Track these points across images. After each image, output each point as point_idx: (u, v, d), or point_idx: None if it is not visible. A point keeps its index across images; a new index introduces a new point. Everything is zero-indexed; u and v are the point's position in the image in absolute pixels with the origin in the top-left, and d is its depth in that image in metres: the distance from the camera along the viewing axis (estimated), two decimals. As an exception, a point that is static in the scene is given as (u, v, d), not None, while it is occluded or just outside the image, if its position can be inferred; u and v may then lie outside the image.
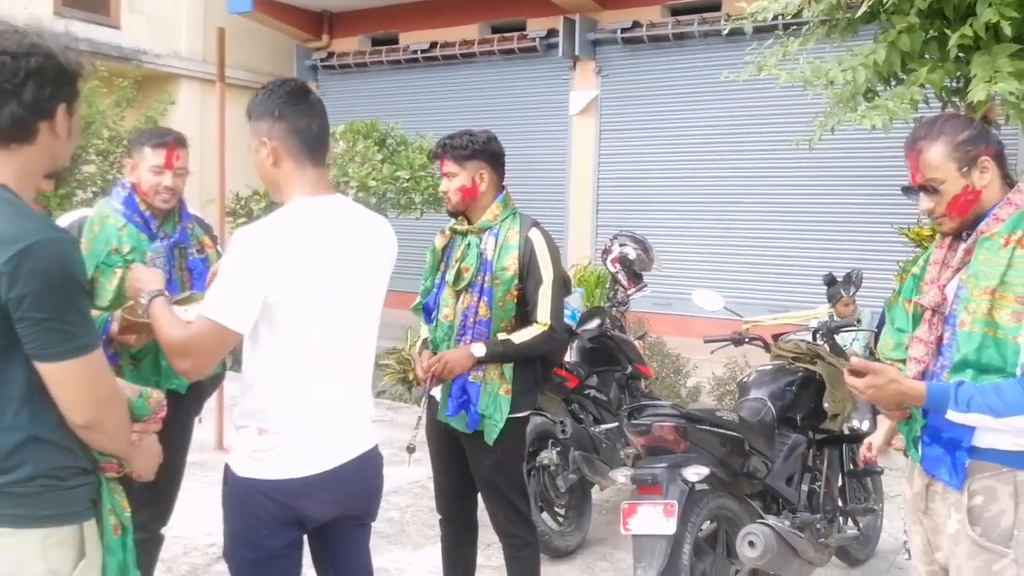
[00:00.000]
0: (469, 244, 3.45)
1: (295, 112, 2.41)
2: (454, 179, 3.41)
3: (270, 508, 2.37)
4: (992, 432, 2.33)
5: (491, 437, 3.39)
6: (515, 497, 3.56)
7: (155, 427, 2.05)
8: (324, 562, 2.60)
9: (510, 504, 3.55)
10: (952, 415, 2.29)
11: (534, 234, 3.44)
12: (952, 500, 2.41)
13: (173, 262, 3.35)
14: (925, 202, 2.46)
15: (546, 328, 3.37)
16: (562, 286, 3.49)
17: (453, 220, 3.56)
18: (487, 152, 3.41)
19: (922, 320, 2.50)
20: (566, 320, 3.68)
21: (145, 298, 2.41)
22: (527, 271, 3.39)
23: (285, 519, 2.39)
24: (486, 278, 3.39)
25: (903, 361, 2.56)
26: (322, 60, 12.95)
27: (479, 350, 3.34)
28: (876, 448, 3.72)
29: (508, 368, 3.39)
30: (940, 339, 2.45)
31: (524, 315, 3.40)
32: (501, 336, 3.37)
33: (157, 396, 2.05)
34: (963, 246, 2.45)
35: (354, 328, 2.48)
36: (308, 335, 2.36)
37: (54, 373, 1.78)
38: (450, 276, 3.47)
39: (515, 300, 3.39)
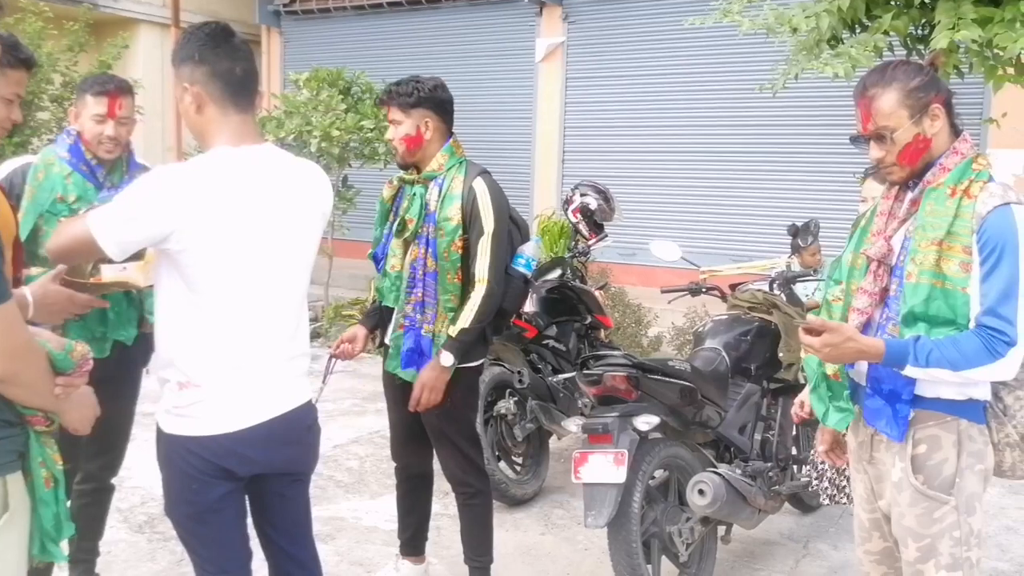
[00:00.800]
0: (415, 194, 3.40)
1: (215, 55, 2.32)
2: (399, 127, 3.35)
3: (196, 464, 2.33)
4: (936, 382, 2.34)
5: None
6: (466, 446, 3.56)
7: (79, 381, 1.98)
8: (260, 518, 2.57)
9: (461, 453, 3.55)
10: (911, 371, 2.27)
11: (478, 183, 3.37)
12: (896, 449, 2.42)
13: None
14: (875, 151, 2.40)
15: (484, 284, 3.31)
16: (505, 238, 3.41)
17: (403, 171, 3.51)
18: (433, 100, 3.34)
19: (868, 271, 2.47)
20: (520, 269, 3.59)
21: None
22: (470, 221, 3.33)
23: (214, 472, 2.35)
24: (430, 229, 3.34)
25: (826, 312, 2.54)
26: (284, 5, 12.68)
27: (447, 359, 3.30)
28: (807, 405, 3.75)
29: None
30: (885, 290, 2.43)
31: (468, 266, 3.35)
32: (451, 329, 3.30)
33: (81, 349, 1.98)
34: (909, 196, 2.42)
35: (280, 279, 2.39)
36: (225, 286, 2.28)
37: None
38: (396, 226, 3.43)
39: (459, 251, 3.33)
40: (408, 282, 3.40)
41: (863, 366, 2.48)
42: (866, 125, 2.40)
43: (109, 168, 3.31)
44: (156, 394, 2.42)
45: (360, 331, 3.65)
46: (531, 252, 3.69)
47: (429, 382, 3.33)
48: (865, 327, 2.47)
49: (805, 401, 3.74)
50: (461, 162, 3.42)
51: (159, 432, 2.40)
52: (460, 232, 3.33)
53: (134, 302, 3.31)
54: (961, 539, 2.37)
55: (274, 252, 2.36)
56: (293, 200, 2.41)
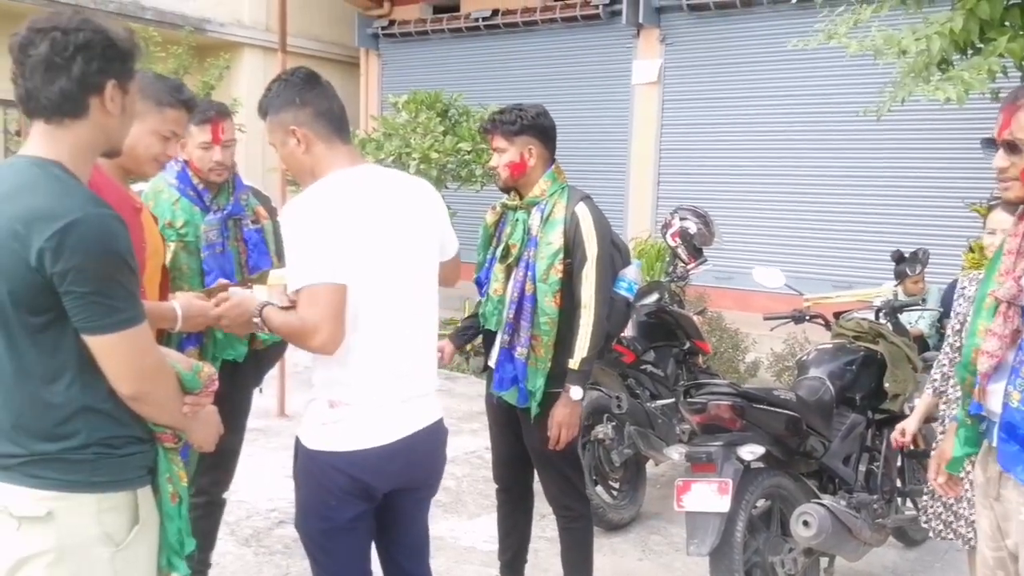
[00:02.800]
0: (518, 220, 3.45)
1: (315, 96, 2.47)
2: (503, 154, 3.40)
3: (339, 480, 2.42)
4: None
5: (533, 413, 3.41)
6: (568, 470, 3.58)
7: (206, 400, 2.08)
8: (385, 535, 2.65)
9: (563, 477, 3.56)
10: None
11: (580, 209, 3.39)
12: None
13: (227, 233, 3.37)
14: (1001, 159, 2.33)
15: (591, 311, 3.33)
16: (608, 263, 3.43)
17: (506, 195, 3.56)
18: (536, 127, 3.39)
19: (996, 312, 2.37)
20: (623, 292, 3.60)
21: (257, 319, 2.43)
22: (573, 246, 3.36)
23: (353, 491, 2.44)
24: (531, 252, 3.38)
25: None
26: (383, 28, 12.96)
27: (577, 393, 3.34)
28: (909, 432, 3.66)
29: (550, 348, 3.37)
30: (1017, 332, 2.34)
31: (570, 291, 3.37)
32: (570, 363, 3.32)
33: (208, 370, 2.08)
34: None
35: (416, 293, 2.51)
36: (373, 302, 2.39)
37: (99, 345, 1.83)
38: (499, 252, 3.49)
39: (560, 275, 3.35)
40: (508, 305, 3.44)
41: (997, 405, 2.39)
42: (1003, 131, 2.32)
43: (216, 191, 3.41)
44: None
45: (448, 345, 3.72)
46: (633, 276, 3.71)
47: (564, 419, 3.35)
48: (996, 370, 2.39)
49: (908, 429, 3.67)
50: (563, 188, 3.45)
51: (301, 449, 2.50)
52: (561, 256, 3.35)
53: (247, 323, 3.42)
54: None
55: (409, 264, 2.49)
56: (416, 212, 2.53)
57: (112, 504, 1.91)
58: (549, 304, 3.36)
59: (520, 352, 3.39)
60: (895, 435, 3.51)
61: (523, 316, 3.39)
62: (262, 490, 5.03)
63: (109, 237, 1.81)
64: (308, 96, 2.46)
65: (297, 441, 2.52)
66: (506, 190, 3.53)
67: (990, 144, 2.38)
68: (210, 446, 2.20)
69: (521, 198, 3.48)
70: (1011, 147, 2.31)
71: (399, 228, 2.47)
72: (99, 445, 1.89)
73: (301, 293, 2.31)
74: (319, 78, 2.52)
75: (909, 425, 3.63)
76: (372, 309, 2.39)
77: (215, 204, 3.38)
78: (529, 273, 3.38)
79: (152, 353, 1.94)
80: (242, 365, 3.41)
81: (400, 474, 2.51)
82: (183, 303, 2.48)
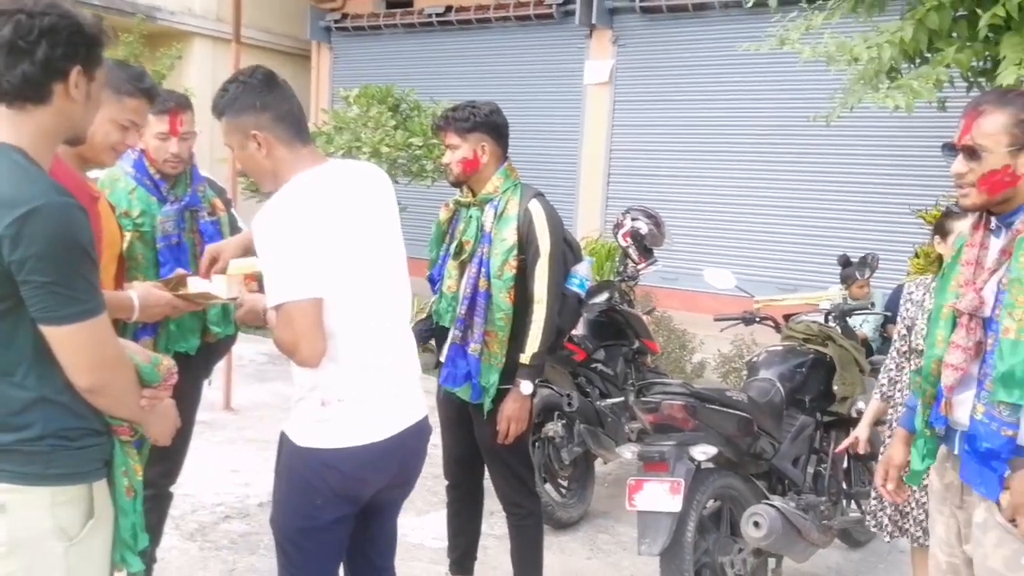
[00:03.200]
0: (471, 217, 3.46)
1: (275, 99, 2.41)
2: (456, 151, 3.41)
3: (331, 479, 2.40)
4: None
5: (486, 408, 3.42)
6: (519, 467, 3.58)
7: (165, 394, 2.04)
8: (361, 529, 2.63)
9: (514, 474, 3.56)
10: None
11: (534, 205, 3.42)
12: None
13: (183, 225, 3.30)
14: (959, 165, 2.34)
15: (543, 305, 3.36)
16: (560, 259, 3.47)
17: (459, 192, 3.56)
18: (489, 124, 3.40)
19: (958, 325, 2.38)
20: (574, 289, 3.68)
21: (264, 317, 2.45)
22: (527, 242, 3.38)
23: (343, 492, 2.43)
24: (485, 249, 3.39)
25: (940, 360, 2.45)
26: (335, 22, 12.84)
27: (527, 388, 3.38)
28: (863, 441, 3.70)
29: (504, 344, 3.38)
30: (980, 344, 2.35)
31: (524, 286, 3.39)
32: (522, 358, 3.35)
33: (167, 363, 2.04)
34: (999, 245, 2.35)
35: (392, 286, 2.51)
36: (357, 300, 2.38)
37: (57, 336, 1.78)
38: (453, 248, 3.48)
39: (513, 271, 3.36)
40: (462, 301, 3.43)
41: (964, 416, 2.39)
42: (963, 136, 2.34)
43: (173, 182, 3.35)
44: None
45: None
46: (584, 272, 3.78)
47: (514, 413, 3.37)
48: (961, 382, 2.39)
49: (860, 437, 3.71)
50: (516, 185, 3.47)
51: (289, 447, 2.46)
52: (515, 252, 3.36)
53: (197, 313, 3.35)
54: None
55: (382, 255, 2.49)
56: (380, 202, 2.52)
57: (67, 497, 1.86)
58: (504, 300, 3.36)
59: (473, 348, 3.39)
60: (848, 441, 3.54)
61: (476, 312, 3.39)
62: (208, 484, 4.93)
63: (71, 226, 1.76)
64: (268, 99, 2.40)
65: (284, 438, 2.50)
66: (457, 186, 3.53)
67: (950, 149, 2.40)
68: (167, 440, 2.16)
69: (473, 194, 3.48)
70: (970, 152, 2.32)
71: (371, 223, 2.46)
72: (55, 437, 1.83)
73: (278, 311, 2.30)
74: (277, 78, 2.46)
75: (861, 433, 3.68)
76: (356, 307, 2.38)
77: (172, 195, 3.32)
78: (483, 269, 3.38)
79: (111, 345, 1.89)
80: (193, 357, 3.35)
81: (392, 471, 2.51)
82: (140, 293, 2.43)
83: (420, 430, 2.58)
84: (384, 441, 2.43)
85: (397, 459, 2.50)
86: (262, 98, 2.39)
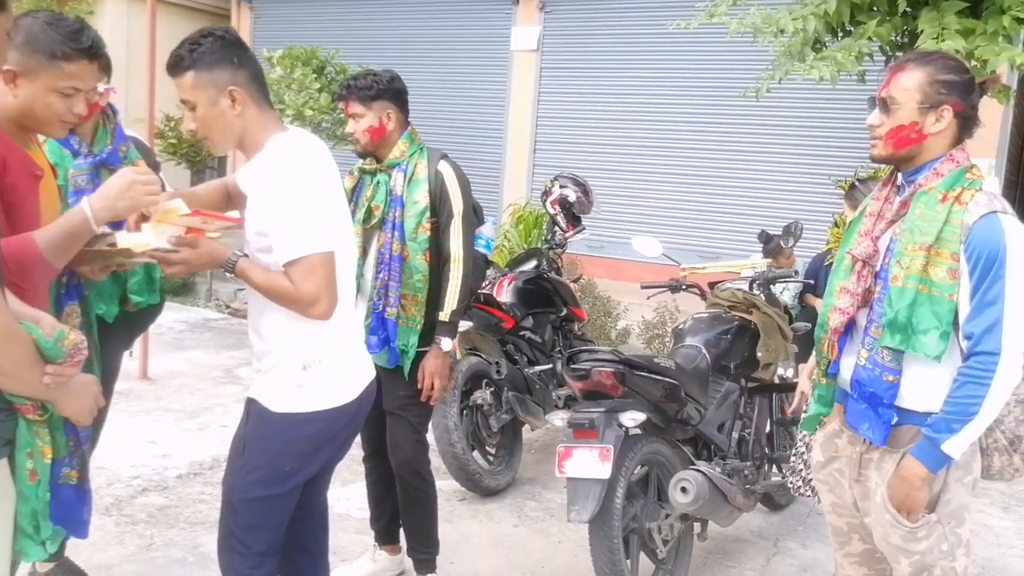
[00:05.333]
0: (378, 182, 3.47)
1: (248, 59, 2.41)
2: (361, 120, 3.42)
3: (307, 443, 2.45)
4: (919, 390, 2.34)
5: (407, 370, 3.46)
6: (423, 434, 3.63)
7: (72, 371, 1.87)
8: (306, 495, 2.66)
9: (419, 440, 3.59)
10: (952, 447, 2.26)
11: (443, 167, 3.48)
12: (885, 469, 2.42)
13: (98, 181, 3.12)
14: (874, 117, 2.41)
15: (460, 263, 3.44)
16: (472, 217, 3.56)
17: (361, 160, 3.57)
18: (392, 91, 3.44)
19: (852, 271, 2.47)
20: (480, 249, 3.80)
21: (229, 265, 2.37)
22: (439, 203, 3.43)
23: (315, 454, 2.49)
24: (397, 213, 3.41)
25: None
26: (258, -20, 12.47)
27: (447, 344, 3.45)
28: (808, 395, 3.75)
29: (422, 305, 3.43)
30: (868, 291, 2.43)
31: (437, 247, 3.44)
32: (440, 315, 3.43)
33: (74, 338, 1.87)
34: (899, 199, 2.42)
35: (351, 250, 2.59)
36: (340, 256, 2.43)
37: None
38: (360, 215, 3.49)
39: (428, 232, 3.41)
40: (376, 267, 3.45)
41: (848, 371, 2.49)
42: (882, 90, 2.40)
43: (91, 137, 3.22)
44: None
45: None
46: (489, 233, 3.97)
47: (436, 369, 3.44)
48: (847, 328, 2.47)
49: (806, 392, 3.76)
50: (421, 148, 3.51)
51: (262, 413, 2.47)
52: (428, 214, 3.41)
53: (119, 279, 3.23)
54: (948, 551, 2.38)
55: (346, 222, 2.56)
56: (336, 172, 2.55)
57: None
58: (421, 262, 3.41)
59: (390, 312, 3.43)
60: (797, 401, 3.59)
61: (392, 277, 3.42)
62: (124, 457, 4.80)
63: None
64: (244, 57, 2.39)
65: (253, 406, 2.50)
66: (363, 155, 3.54)
67: (872, 102, 2.45)
68: (87, 419, 2.03)
69: (378, 161, 3.50)
70: (885, 105, 2.38)
71: (335, 185, 2.49)
72: None
73: (298, 263, 2.29)
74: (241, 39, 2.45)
75: (804, 386, 3.71)
76: (340, 265, 2.43)
77: (89, 149, 3.19)
78: (396, 233, 3.42)
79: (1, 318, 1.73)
80: (113, 326, 3.23)
81: (357, 429, 2.61)
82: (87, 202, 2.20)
83: (373, 387, 2.64)
84: (356, 399, 2.52)
85: (360, 416, 2.57)
86: (239, 54, 2.38)
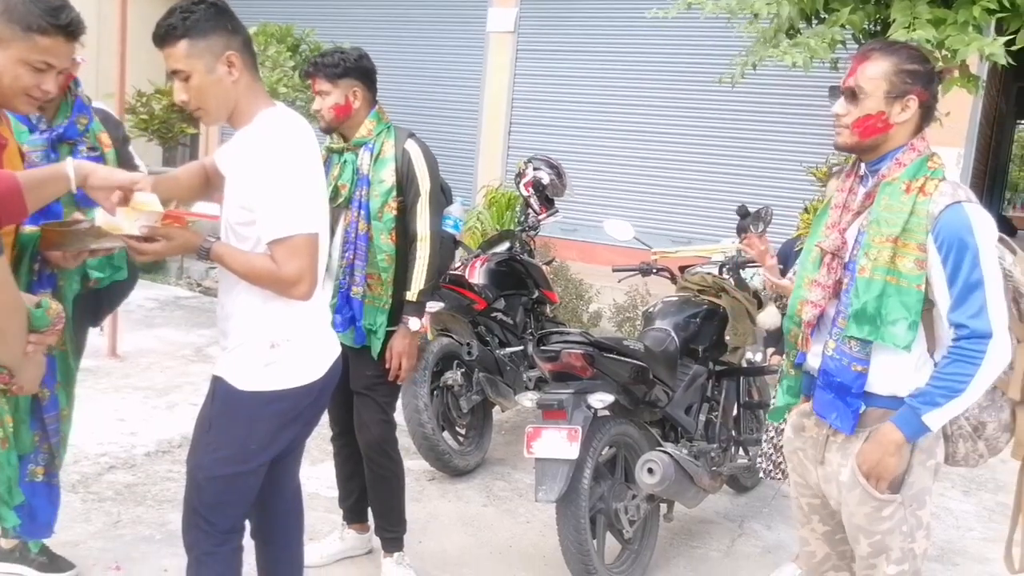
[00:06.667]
0: (345, 161, 3.46)
1: (239, 25, 2.40)
2: (327, 97, 3.40)
3: (274, 421, 2.46)
4: (887, 377, 2.38)
5: (375, 350, 3.45)
6: (390, 412, 3.62)
7: (51, 339, 1.95)
8: (275, 474, 2.67)
9: (386, 420, 3.59)
10: (933, 419, 2.30)
11: (411, 145, 3.46)
12: (850, 450, 2.45)
13: (55, 157, 3.04)
14: (839, 106, 2.42)
15: (427, 242, 3.43)
16: (439, 196, 3.55)
17: (329, 139, 3.55)
18: (359, 69, 3.41)
19: (821, 263, 2.49)
20: (449, 229, 3.81)
21: (203, 252, 2.35)
22: (406, 183, 3.42)
23: (281, 433, 2.49)
24: (363, 192, 3.41)
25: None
26: (231, -45, 12.31)
27: (415, 324, 3.44)
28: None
29: (388, 285, 3.42)
30: (839, 283, 2.46)
31: (404, 226, 3.42)
32: (408, 295, 3.42)
33: (56, 307, 1.94)
34: (864, 190, 2.45)
35: (327, 231, 2.57)
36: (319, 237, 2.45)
37: None
38: (327, 194, 3.43)
39: (394, 212, 3.40)
40: (343, 246, 3.45)
41: (816, 360, 2.52)
42: (848, 79, 2.42)
43: (54, 112, 3.13)
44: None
45: None
46: (458, 213, 3.94)
47: (404, 349, 3.43)
48: (819, 320, 2.50)
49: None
50: (388, 127, 3.49)
51: (228, 391, 2.46)
52: (394, 194, 3.40)
53: (78, 255, 3.19)
54: (908, 533, 2.43)
55: (327, 207, 2.55)
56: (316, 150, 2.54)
57: None
58: (386, 241, 3.40)
59: (355, 291, 3.44)
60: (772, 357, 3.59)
61: (358, 256, 3.42)
62: (91, 434, 4.77)
63: None
64: (236, 24, 2.38)
65: (219, 385, 2.49)
66: (328, 132, 3.53)
67: (835, 92, 2.47)
68: (33, 388, 2.07)
69: (345, 140, 3.49)
70: (851, 95, 2.40)
71: (317, 163, 2.48)
72: None
73: (284, 243, 2.30)
74: None
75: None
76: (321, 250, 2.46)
77: (47, 124, 3.10)
78: (362, 212, 3.41)
79: (8, 288, 1.78)
80: (75, 303, 3.18)
81: (324, 407, 2.63)
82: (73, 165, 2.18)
83: (338, 365, 2.63)
84: (321, 377, 2.51)
85: (325, 395, 2.58)
86: (232, 21, 2.36)
